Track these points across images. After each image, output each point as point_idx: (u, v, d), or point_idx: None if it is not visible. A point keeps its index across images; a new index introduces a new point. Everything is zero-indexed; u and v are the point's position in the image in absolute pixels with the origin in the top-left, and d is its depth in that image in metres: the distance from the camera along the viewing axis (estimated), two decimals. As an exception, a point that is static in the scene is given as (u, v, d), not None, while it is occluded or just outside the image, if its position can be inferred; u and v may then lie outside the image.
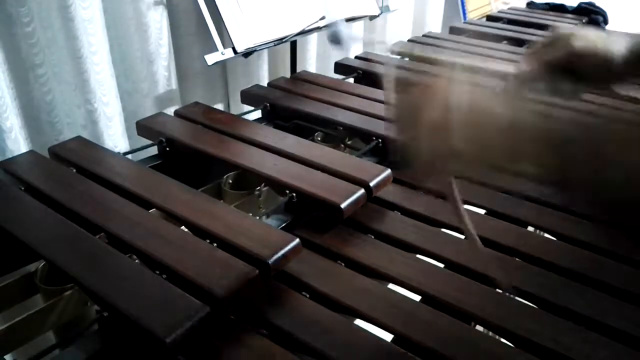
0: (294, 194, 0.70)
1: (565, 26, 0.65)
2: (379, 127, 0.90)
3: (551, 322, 0.55)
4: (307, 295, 0.58)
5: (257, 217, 0.65)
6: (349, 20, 1.32)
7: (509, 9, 2.02)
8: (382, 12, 1.42)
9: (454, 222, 0.71)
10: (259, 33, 1.08)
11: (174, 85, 1.18)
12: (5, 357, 0.55)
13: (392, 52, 0.77)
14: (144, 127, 0.89)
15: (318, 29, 1.21)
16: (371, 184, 0.71)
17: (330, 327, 0.53)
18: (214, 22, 1.02)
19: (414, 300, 0.57)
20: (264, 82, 1.26)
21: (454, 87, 0.44)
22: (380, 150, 0.87)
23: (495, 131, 0.41)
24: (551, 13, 1.90)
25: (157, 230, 0.58)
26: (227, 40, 1.04)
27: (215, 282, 0.51)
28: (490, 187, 0.80)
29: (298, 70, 1.39)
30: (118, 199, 0.65)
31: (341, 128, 0.92)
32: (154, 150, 0.86)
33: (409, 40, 1.47)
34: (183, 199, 0.65)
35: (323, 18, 1.20)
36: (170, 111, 0.99)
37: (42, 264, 0.59)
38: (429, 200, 0.77)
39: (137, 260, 0.56)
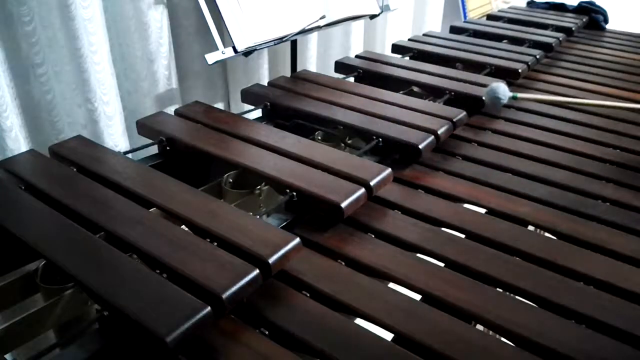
0: (295, 193, 0.70)
1: None
2: (379, 127, 0.90)
3: (552, 321, 0.55)
4: (308, 295, 0.58)
5: (258, 216, 0.65)
6: (348, 19, 1.32)
7: (509, 8, 2.02)
8: (382, 11, 1.42)
9: (454, 221, 0.71)
10: (259, 32, 1.08)
11: (174, 84, 1.18)
12: (5, 356, 0.55)
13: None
14: (144, 126, 0.89)
15: (318, 28, 1.21)
16: (371, 183, 0.71)
17: (330, 326, 0.53)
18: (214, 21, 1.02)
19: (415, 300, 0.57)
20: (265, 81, 1.26)
21: None
22: (381, 150, 0.87)
23: None
24: (551, 12, 1.90)
25: (158, 230, 0.58)
26: (227, 39, 1.04)
27: (216, 281, 0.51)
28: (491, 186, 0.80)
29: (298, 69, 1.39)
30: (118, 198, 0.65)
31: (341, 127, 0.92)
32: (154, 150, 0.86)
33: (409, 40, 1.47)
34: (183, 198, 0.65)
35: (323, 17, 1.20)
36: (171, 110, 0.99)
37: (42, 263, 0.59)
38: (429, 199, 0.77)
39: (137, 260, 0.56)
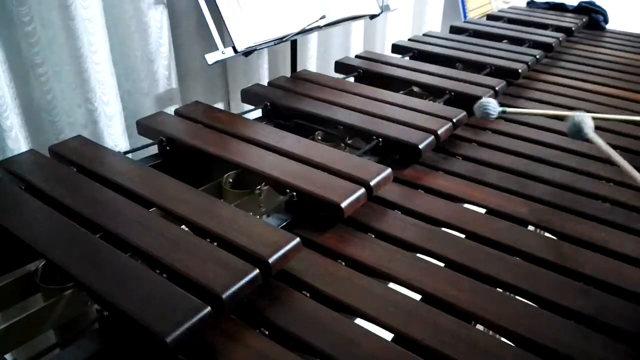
0: (295, 193, 0.70)
1: None
2: (379, 127, 0.90)
3: (552, 321, 0.55)
4: (308, 295, 0.58)
5: (258, 216, 0.65)
6: (349, 19, 1.32)
7: (509, 8, 2.02)
8: (382, 11, 1.42)
9: (454, 221, 0.71)
10: (259, 32, 1.08)
11: (174, 84, 1.18)
12: (5, 356, 0.55)
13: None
14: (144, 126, 0.89)
15: (318, 28, 1.21)
16: (371, 183, 0.71)
17: (330, 326, 0.53)
18: (214, 21, 1.02)
19: (415, 300, 0.57)
20: (265, 81, 1.26)
21: None
22: (381, 150, 0.87)
23: None
24: (551, 12, 1.90)
25: (158, 229, 0.58)
26: (227, 39, 1.04)
27: (216, 281, 0.51)
28: (491, 186, 0.80)
29: (298, 69, 1.39)
30: (118, 198, 0.65)
31: (341, 127, 0.92)
32: (154, 150, 0.86)
33: (409, 40, 1.47)
34: (183, 198, 0.65)
35: (323, 17, 1.20)
36: (171, 110, 0.99)
37: (42, 263, 0.59)
38: (429, 199, 0.77)
39: (137, 260, 0.56)
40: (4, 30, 0.91)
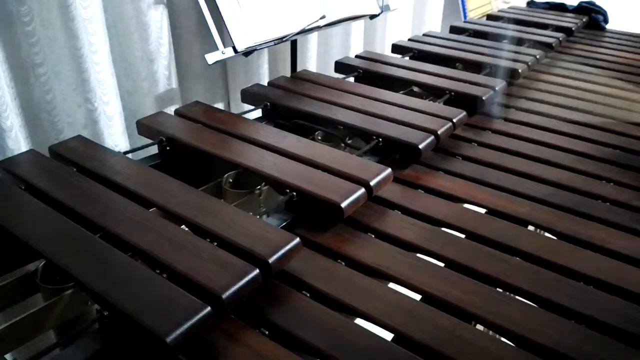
0: (295, 193, 0.70)
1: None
2: (379, 127, 0.90)
3: (552, 321, 0.55)
4: (308, 295, 0.58)
5: (258, 216, 0.65)
6: (349, 19, 1.32)
7: (509, 8, 2.02)
8: (382, 11, 1.42)
9: (454, 221, 0.71)
10: (259, 32, 1.08)
11: (174, 84, 1.18)
12: (5, 356, 0.55)
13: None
14: (144, 126, 0.89)
15: (318, 28, 1.21)
16: (371, 183, 0.71)
17: (330, 326, 0.53)
18: (214, 21, 1.02)
19: (415, 300, 0.57)
20: (265, 81, 1.26)
21: None
22: (381, 150, 0.87)
23: None
24: (551, 12, 1.90)
25: (158, 229, 0.58)
26: (227, 39, 1.04)
27: (216, 281, 0.51)
28: (491, 186, 0.80)
29: (298, 69, 1.39)
30: (118, 198, 0.65)
31: (341, 127, 0.92)
32: (154, 150, 0.86)
33: (409, 40, 1.47)
34: (183, 198, 0.65)
35: (323, 17, 1.20)
36: (171, 110, 0.99)
37: (42, 263, 0.59)
38: (429, 199, 0.77)
39: (137, 260, 0.56)
40: (4, 30, 0.91)
